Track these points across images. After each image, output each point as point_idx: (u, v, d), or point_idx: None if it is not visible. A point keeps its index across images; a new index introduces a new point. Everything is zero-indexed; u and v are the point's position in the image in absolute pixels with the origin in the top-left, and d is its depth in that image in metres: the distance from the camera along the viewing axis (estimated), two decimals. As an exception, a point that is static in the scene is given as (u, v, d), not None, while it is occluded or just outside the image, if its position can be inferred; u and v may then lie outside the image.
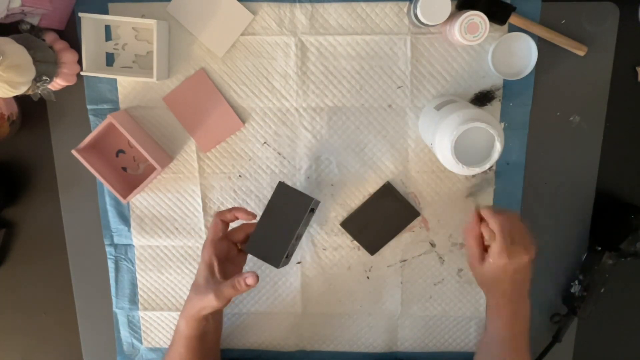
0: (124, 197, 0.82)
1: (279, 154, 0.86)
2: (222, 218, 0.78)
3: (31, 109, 0.85)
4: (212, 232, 0.77)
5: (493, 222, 0.72)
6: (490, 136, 0.68)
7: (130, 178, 0.87)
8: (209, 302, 0.72)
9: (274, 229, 0.77)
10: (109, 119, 0.78)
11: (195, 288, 0.75)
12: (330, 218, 0.88)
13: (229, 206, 0.88)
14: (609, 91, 0.82)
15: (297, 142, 0.86)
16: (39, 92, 0.77)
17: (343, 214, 0.88)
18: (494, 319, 0.76)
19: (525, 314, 0.75)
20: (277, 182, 0.78)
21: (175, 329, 0.80)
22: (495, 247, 0.71)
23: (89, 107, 0.85)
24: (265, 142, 0.86)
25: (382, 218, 0.87)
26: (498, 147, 0.68)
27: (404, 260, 0.89)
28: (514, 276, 0.72)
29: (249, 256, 0.82)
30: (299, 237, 0.80)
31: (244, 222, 0.80)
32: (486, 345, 0.78)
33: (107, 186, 0.82)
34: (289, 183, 0.87)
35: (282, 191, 0.77)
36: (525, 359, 0.75)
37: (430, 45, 0.81)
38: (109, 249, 0.91)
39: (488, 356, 0.77)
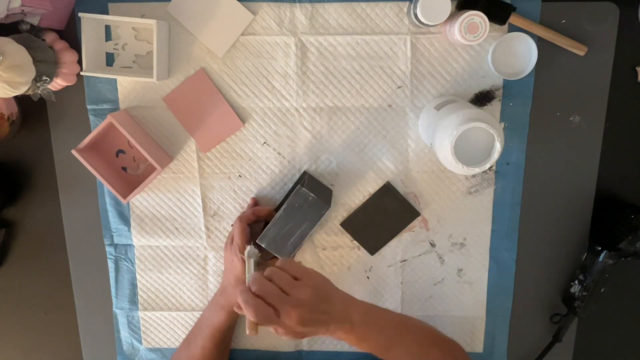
0: (124, 197, 0.82)
1: (279, 154, 0.86)
2: (248, 222, 0.82)
3: (31, 109, 0.85)
4: (241, 237, 0.80)
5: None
6: (490, 136, 0.68)
7: (130, 178, 0.87)
8: None
9: (287, 226, 0.79)
10: (109, 119, 0.78)
11: (237, 281, 0.81)
12: (330, 218, 0.88)
13: (229, 206, 0.88)
14: (609, 91, 0.82)
15: (297, 142, 0.86)
16: (39, 92, 0.77)
17: (343, 214, 0.88)
18: (360, 348, 0.70)
19: (373, 321, 0.69)
20: (302, 174, 0.84)
21: (202, 324, 0.85)
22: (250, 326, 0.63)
23: (89, 107, 0.85)
24: (265, 142, 0.86)
25: (382, 218, 0.87)
26: (498, 147, 0.68)
27: (404, 260, 0.89)
28: (308, 330, 0.64)
29: None
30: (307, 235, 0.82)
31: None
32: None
33: (107, 186, 0.82)
34: (289, 183, 0.87)
35: (304, 194, 0.78)
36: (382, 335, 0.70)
37: (430, 45, 0.81)
38: (109, 249, 0.91)
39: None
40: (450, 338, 0.78)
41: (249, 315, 0.61)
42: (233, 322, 0.86)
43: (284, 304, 0.61)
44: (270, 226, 0.79)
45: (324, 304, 0.65)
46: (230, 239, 0.84)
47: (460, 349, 0.78)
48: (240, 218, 0.82)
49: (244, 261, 0.80)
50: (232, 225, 0.88)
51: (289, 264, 0.66)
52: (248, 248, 0.75)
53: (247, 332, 0.62)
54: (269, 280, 0.63)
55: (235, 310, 0.64)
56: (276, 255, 0.81)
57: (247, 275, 0.74)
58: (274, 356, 0.94)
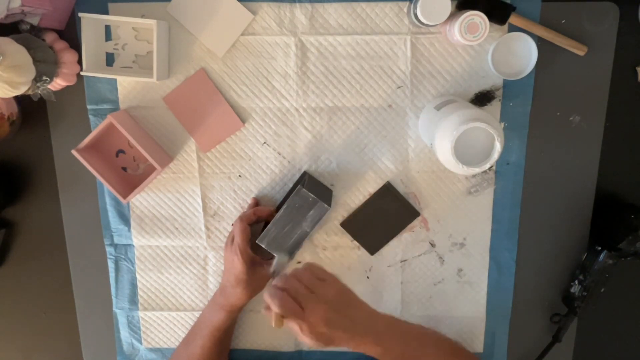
0: (124, 197, 0.82)
1: (279, 154, 0.86)
2: (249, 222, 0.83)
3: (31, 109, 0.85)
4: (242, 237, 0.81)
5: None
6: (490, 136, 0.68)
7: (130, 178, 0.87)
8: (262, 283, 0.83)
9: (287, 226, 0.79)
10: (109, 119, 0.78)
11: (238, 283, 0.81)
12: (330, 218, 0.88)
13: (229, 206, 0.88)
14: (609, 91, 0.82)
15: (297, 142, 0.86)
16: (39, 92, 0.77)
17: (343, 214, 0.88)
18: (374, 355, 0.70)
19: (385, 331, 0.69)
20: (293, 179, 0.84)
21: (201, 323, 0.85)
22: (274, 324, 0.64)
23: (89, 107, 0.85)
24: (265, 142, 0.86)
25: (382, 218, 0.87)
26: (498, 147, 0.68)
27: (404, 260, 0.89)
28: (331, 341, 0.64)
29: None
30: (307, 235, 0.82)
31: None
32: None
33: (107, 186, 0.82)
34: (289, 183, 0.87)
35: (303, 195, 0.78)
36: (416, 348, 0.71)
37: (430, 45, 0.81)
38: (109, 249, 0.91)
39: None
40: (468, 351, 0.78)
41: (274, 306, 0.62)
42: (232, 322, 0.86)
43: (309, 300, 0.63)
44: (271, 226, 0.79)
45: (348, 309, 0.66)
46: (231, 239, 0.84)
47: None
48: (241, 218, 0.83)
49: (244, 261, 0.80)
50: (232, 225, 0.88)
51: (314, 266, 0.68)
52: (277, 257, 0.76)
53: (273, 324, 0.63)
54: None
55: (263, 312, 0.65)
56: (276, 256, 0.81)
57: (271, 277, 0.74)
58: (274, 356, 0.94)
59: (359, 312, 0.67)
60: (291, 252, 0.81)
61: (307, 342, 0.64)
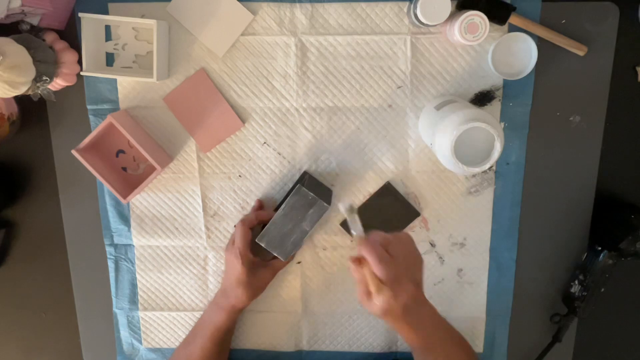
0: (124, 197, 0.82)
1: (279, 154, 0.86)
2: (250, 226, 0.83)
3: (31, 109, 0.85)
4: (243, 240, 0.82)
5: (367, 262, 0.65)
6: (490, 136, 0.68)
7: (130, 178, 0.87)
8: (262, 284, 0.84)
9: (286, 225, 0.79)
10: (109, 119, 0.78)
11: (238, 284, 0.81)
12: (330, 218, 0.88)
13: (229, 206, 0.88)
14: (609, 91, 0.82)
15: (297, 142, 0.86)
16: (39, 92, 0.77)
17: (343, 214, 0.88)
18: (404, 338, 0.71)
19: (427, 318, 0.69)
20: (288, 181, 0.82)
21: (201, 323, 0.85)
22: (373, 290, 0.64)
23: (89, 107, 0.85)
24: (265, 142, 0.86)
25: (382, 218, 0.87)
26: (498, 147, 0.68)
27: (404, 260, 0.89)
28: (401, 306, 0.64)
29: None
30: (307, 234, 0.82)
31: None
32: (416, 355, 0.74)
33: (107, 186, 0.82)
34: (289, 183, 0.87)
35: (303, 193, 0.78)
36: (449, 345, 0.72)
37: (430, 45, 0.81)
38: (109, 249, 0.91)
39: None
40: (470, 345, 0.77)
41: (380, 271, 0.63)
42: (232, 323, 0.86)
43: (402, 276, 0.65)
44: (270, 225, 0.79)
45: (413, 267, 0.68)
46: (232, 241, 0.84)
47: None
48: (243, 221, 0.83)
49: (244, 264, 0.80)
50: (234, 226, 0.88)
51: (403, 236, 0.70)
52: (346, 205, 0.70)
53: (371, 288, 0.64)
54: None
55: (350, 265, 0.65)
56: (276, 256, 0.81)
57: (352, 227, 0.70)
58: (274, 356, 0.94)
59: (420, 295, 0.68)
60: (291, 252, 0.81)
61: (374, 310, 0.64)
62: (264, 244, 0.80)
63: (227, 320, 0.84)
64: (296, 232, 0.79)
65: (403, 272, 0.65)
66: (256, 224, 0.84)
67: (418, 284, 0.67)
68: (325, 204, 0.78)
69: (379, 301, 0.64)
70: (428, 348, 0.70)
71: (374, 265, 0.63)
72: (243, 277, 0.81)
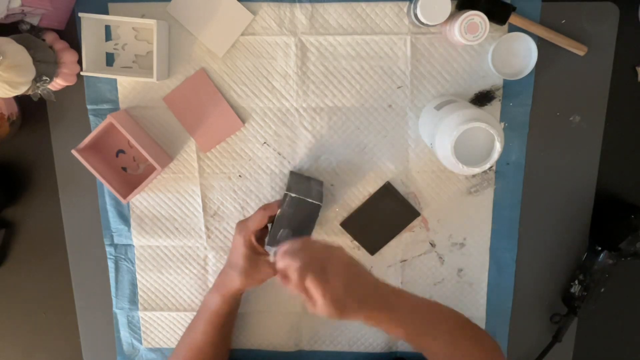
0: (124, 197, 0.82)
1: (279, 154, 0.86)
2: (270, 213, 0.79)
3: (31, 109, 0.85)
4: (256, 222, 0.79)
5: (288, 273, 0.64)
6: (490, 136, 0.69)
7: (130, 178, 0.87)
8: (261, 276, 0.79)
9: (287, 231, 0.78)
10: (109, 119, 0.78)
11: (235, 267, 0.79)
12: (330, 218, 0.88)
13: (229, 206, 0.88)
14: (609, 91, 0.82)
15: (297, 142, 0.86)
16: (39, 92, 0.77)
17: (343, 214, 0.88)
18: (388, 331, 0.69)
19: (395, 300, 0.68)
20: (285, 183, 0.80)
21: (202, 308, 0.84)
22: (306, 295, 0.64)
23: (89, 107, 0.85)
24: (265, 142, 0.86)
25: (382, 218, 0.87)
26: (498, 147, 0.68)
27: (404, 260, 0.89)
28: (352, 298, 0.64)
29: None
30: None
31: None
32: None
33: (107, 186, 0.82)
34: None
35: (295, 202, 0.77)
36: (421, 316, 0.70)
37: (430, 45, 0.81)
38: (109, 249, 0.91)
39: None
40: (479, 326, 0.76)
41: (295, 263, 0.63)
42: (230, 307, 0.83)
43: (323, 270, 0.64)
44: (272, 229, 0.79)
45: (359, 278, 0.67)
46: (246, 221, 0.81)
47: (489, 337, 0.76)
48: (265, 208, 0.80)
49: (245, 243, 0.79)
50: (234, 225, 0.88)
51: (318, 241, 0.69)
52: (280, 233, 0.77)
53: (292, 285, 0.63)
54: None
55: (279, 279, 0.65)
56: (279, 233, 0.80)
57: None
58: (274, 356, 0.94)
59: (368, 283, 0.67)
60: None
61: (321, 312, 0.63)
62: (266, 246, 0.79)
63: (224, 304, 0.82)
64: (297, 233, 0.78)
65: (319, 269, 0.63)
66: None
67: (355, 274, 0.66)
68: (316, 203, 0.76)
69: (320, 301, 0.63)
70: (418, 334, 0.69)
71: (290, 272, 0.63)
72: (241, 258, 0.78)
